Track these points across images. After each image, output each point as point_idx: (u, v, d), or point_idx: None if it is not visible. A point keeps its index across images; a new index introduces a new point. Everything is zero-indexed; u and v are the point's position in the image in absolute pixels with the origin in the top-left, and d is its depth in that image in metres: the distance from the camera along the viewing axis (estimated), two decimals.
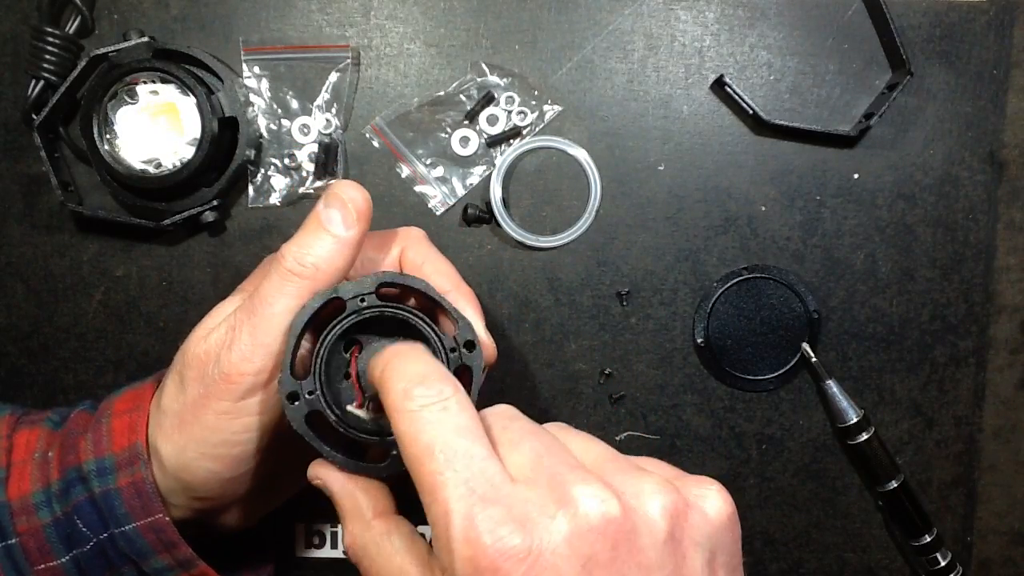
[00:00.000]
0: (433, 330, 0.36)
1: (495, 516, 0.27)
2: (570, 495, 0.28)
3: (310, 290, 0.36)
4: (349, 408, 0.36)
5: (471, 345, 0.36)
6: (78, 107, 0.50)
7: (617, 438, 0.54)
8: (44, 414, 0.42)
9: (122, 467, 0.37)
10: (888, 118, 0.52)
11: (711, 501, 0.32)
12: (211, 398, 0.36)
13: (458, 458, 0.28)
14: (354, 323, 0.36)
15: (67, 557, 0.37)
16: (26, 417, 0.42)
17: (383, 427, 0.35)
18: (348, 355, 0.37)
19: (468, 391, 0.35)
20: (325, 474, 0.36)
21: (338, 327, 0.36)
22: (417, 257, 0.40)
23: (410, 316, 0.36)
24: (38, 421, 0.41)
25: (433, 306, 0.37)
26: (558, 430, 0.34)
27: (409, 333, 0.37)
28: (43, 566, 0.37)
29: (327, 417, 0.35)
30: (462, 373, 0.36)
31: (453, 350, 0.36)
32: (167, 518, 0.37)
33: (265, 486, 0.41)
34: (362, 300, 0.36)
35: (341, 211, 0.36)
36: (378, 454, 0.37)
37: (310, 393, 0.35)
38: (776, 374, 0.53)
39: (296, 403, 0.35)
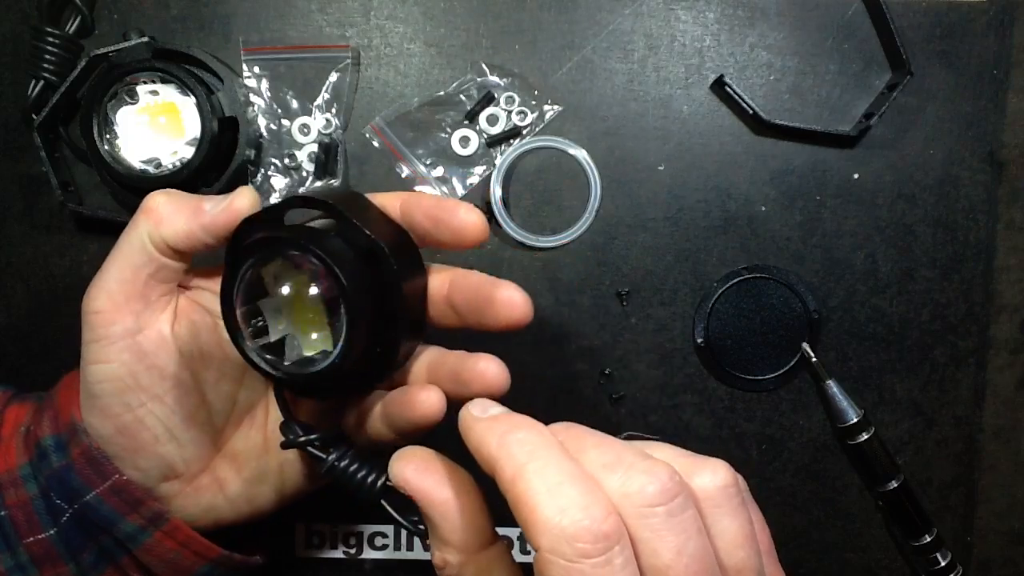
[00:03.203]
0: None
1: None
2: None
3: (159, 228, 0.36)
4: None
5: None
6: (78, 107, 0.50)
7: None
8: (36, 393, 0.43)
9: (71, 439, 0.38)
10: (888, 118, 0.52)
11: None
12: (82, 345, 0.37)
13: None
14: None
15: (53, 530, 0.38)
16: (18, 395, 0.42)
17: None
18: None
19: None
20: (425, 482, 0.31)
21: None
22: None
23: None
24: (29, 397, 0.42)
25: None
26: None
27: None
28: (32, 539, 0.38)
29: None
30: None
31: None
32: (124, 477, 0.37)
33: (199, 474, 0.40)
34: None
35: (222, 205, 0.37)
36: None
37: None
38: (776, 374, 0.53)
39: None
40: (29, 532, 0.38)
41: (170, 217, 0.37)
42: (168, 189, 0.38)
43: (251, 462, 0.41)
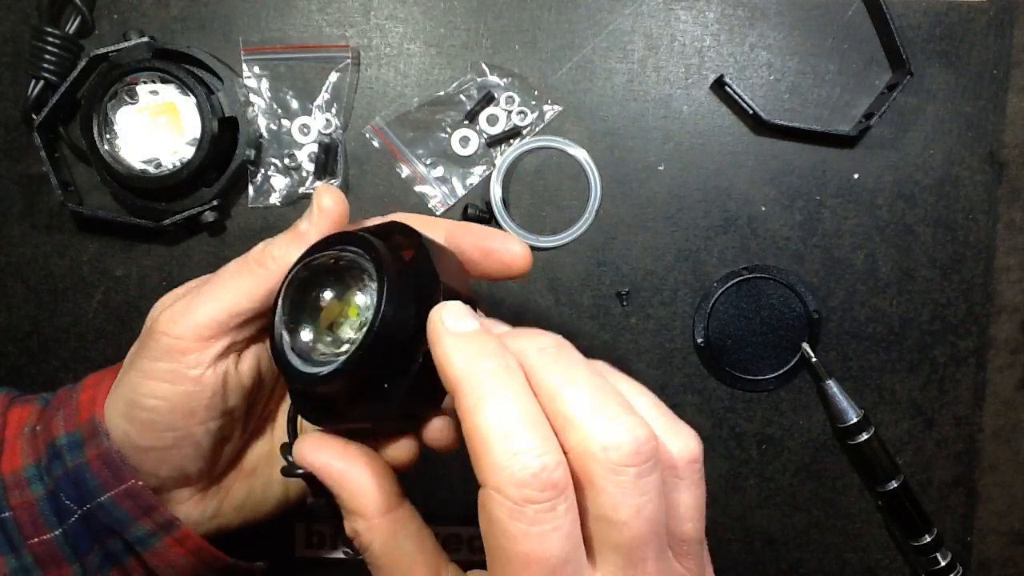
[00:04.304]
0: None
1: None
2: None
3: (266, 280, 0.35)
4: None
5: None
6: (78, 107, 0.50)
7: None
8: (38, 395, 0.42)
9: (87, 440, 0.37)
10: (888, 118, 0.52)
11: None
12: (138, 354, 0.36)
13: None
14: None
15: (59, 531, 0.37)
16: (20, 397, 0.42)
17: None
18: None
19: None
20: (320, 457, 0.32)
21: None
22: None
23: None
24: (31, 399, 0.42)
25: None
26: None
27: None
28: (36, 539, 0.37)
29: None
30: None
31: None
32: (140, 483, 0.37)
33: (211, 484, 0.40)
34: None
35: (309, 216, 0.35)
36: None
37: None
38: (776, 374, 0.53)
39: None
40: (34, 533, 0.37)
41: (283, 260, 0.35)
42: (281, 239, 0.36)
43: (259, 471, 0.41)
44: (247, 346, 0.37)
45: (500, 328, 0.32)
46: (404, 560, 0.31)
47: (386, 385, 0.31)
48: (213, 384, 0.36)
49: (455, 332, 0.29)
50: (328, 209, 0.35)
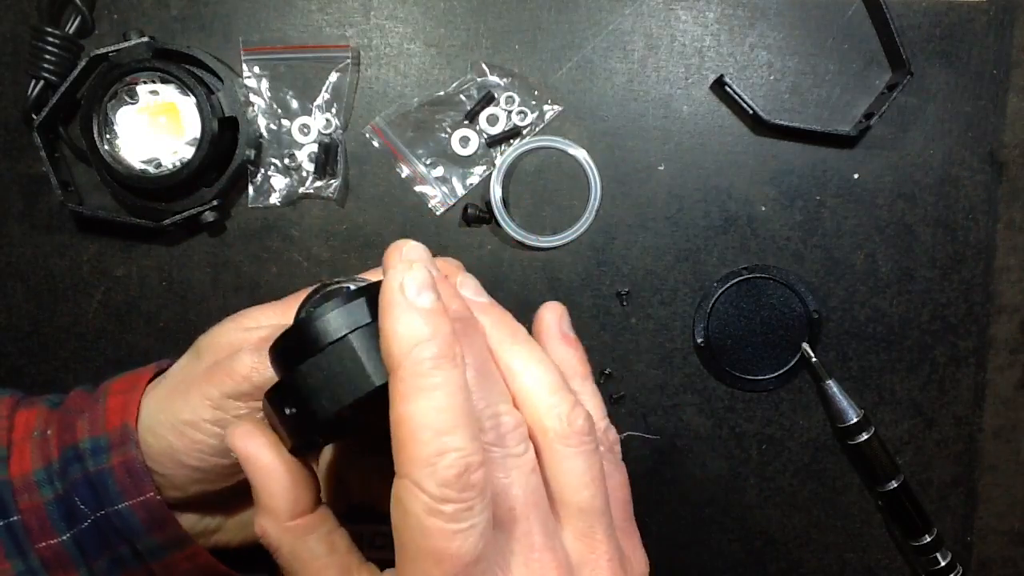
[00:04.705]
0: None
1: None
2: None
3: None
4: None
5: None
6: (78, 107, 0.50)
7: None
8: (43, 397, 0.42)
9: (115, 446, 0.37)
10: (888, 118, 0.52)
11: None
12: (208, 381, 0.36)
13: None
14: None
15: (67, 535, 0.37)
16: (25, 399, 0.42)
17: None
18: None
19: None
20: (251, 444, 0.32)
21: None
22: None
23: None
24: (37, 402, 0.41)
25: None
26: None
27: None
28: (44, 544, 0.37)
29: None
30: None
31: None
32: (158, 497, 0.37)
33: (233, 506, 0.41)
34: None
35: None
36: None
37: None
38: (776, 374, 0.53)
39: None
40: (41, 537, 0.37)
41: None
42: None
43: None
44: None
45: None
46: (313, 563, 0.31)
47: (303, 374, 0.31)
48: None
49: (412, 305, 0.27)
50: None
